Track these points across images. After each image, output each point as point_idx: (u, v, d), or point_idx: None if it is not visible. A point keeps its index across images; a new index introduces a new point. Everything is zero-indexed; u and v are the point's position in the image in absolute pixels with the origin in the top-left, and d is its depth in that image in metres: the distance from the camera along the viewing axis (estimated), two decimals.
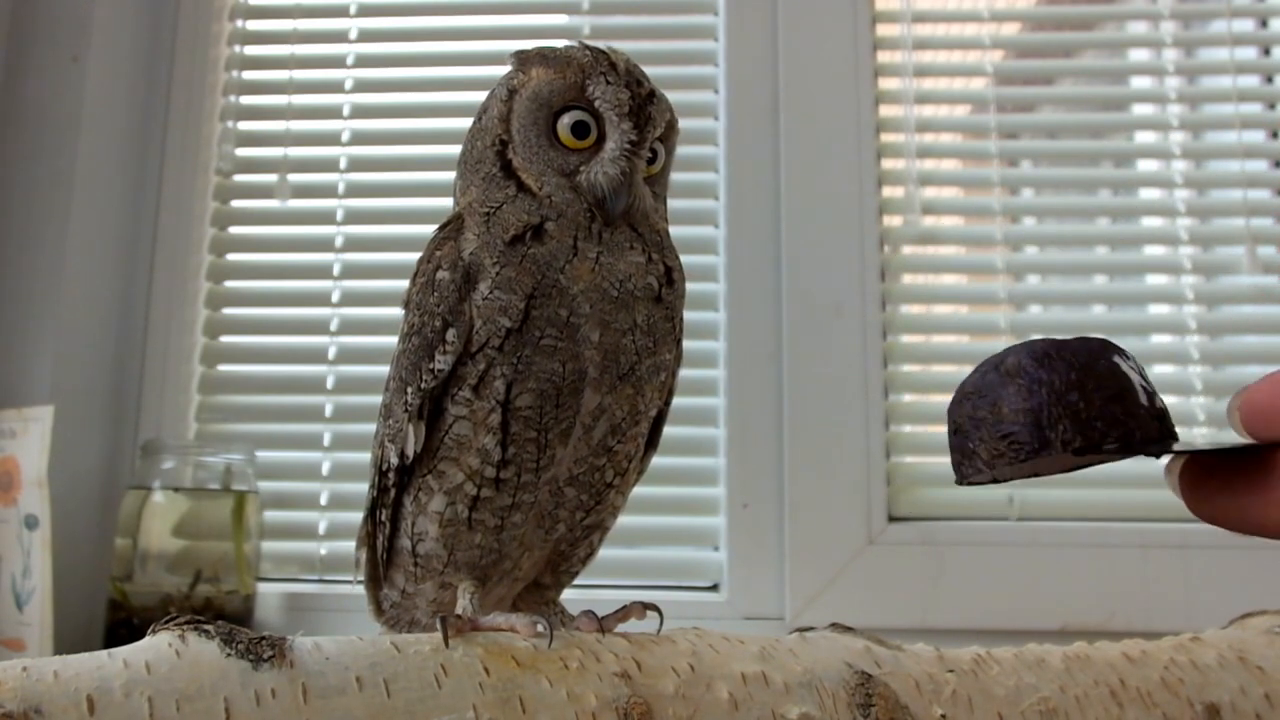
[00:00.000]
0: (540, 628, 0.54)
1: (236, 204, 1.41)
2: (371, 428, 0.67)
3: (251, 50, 1.43)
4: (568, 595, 0.70)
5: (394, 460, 0.64)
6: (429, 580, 0.66)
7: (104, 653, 0.46)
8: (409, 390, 0.63)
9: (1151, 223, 1.38)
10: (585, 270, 0.61)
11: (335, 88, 1.41)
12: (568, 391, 0.61)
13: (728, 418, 1.26)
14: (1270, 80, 1.37)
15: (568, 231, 0.62)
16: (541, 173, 0.64)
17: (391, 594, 0.69)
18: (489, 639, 0.53)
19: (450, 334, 0.61)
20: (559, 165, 0.64)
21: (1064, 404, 0.39)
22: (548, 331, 0.60)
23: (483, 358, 0.60)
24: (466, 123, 0.68)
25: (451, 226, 0.65)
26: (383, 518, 0.67)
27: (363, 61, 1.41)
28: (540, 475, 0.62)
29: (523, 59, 0.66)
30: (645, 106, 0.64)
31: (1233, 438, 0.40)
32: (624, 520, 1.24)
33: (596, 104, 0.63)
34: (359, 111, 1.40)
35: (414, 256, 0.65)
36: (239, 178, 1.40)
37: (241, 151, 1.40)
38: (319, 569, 1.27)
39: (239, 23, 1.43)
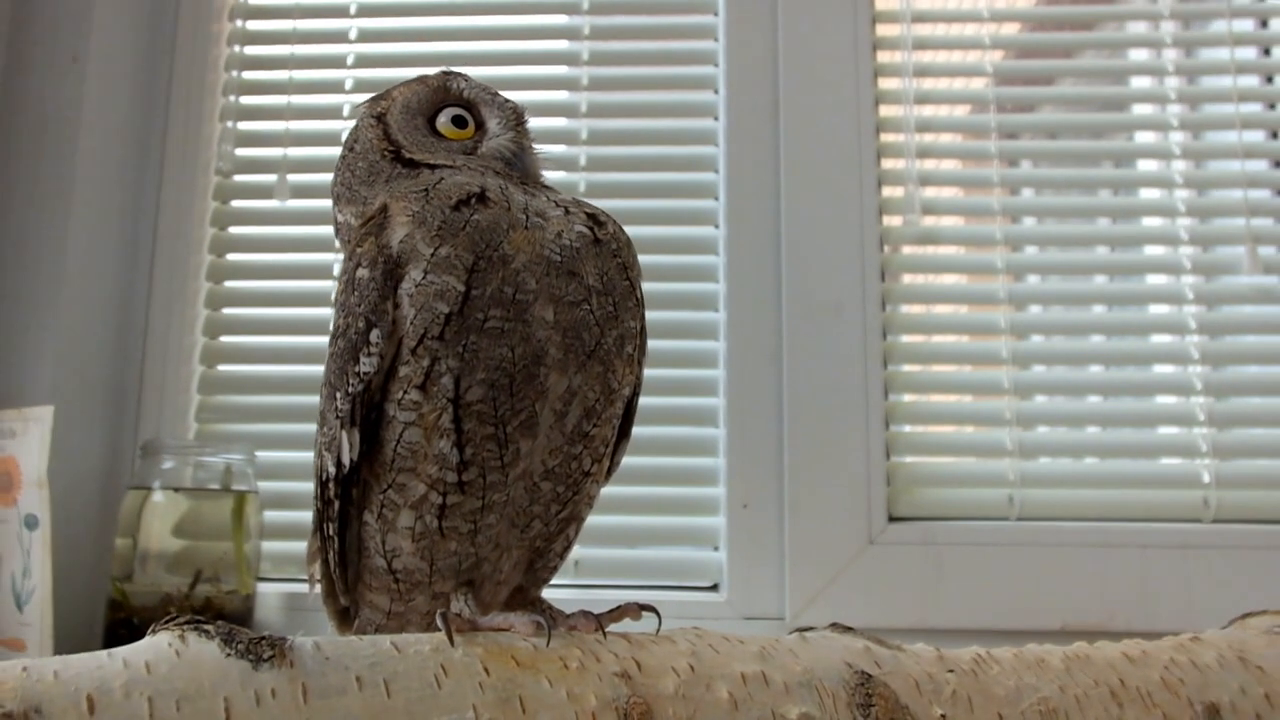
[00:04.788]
0: (539, 627, 0.54)
1: (236, 204, 1.41)
2: None
3: (251, 50, 1.43)
4: (568, 595, 0.70)
5: (331, 470, 0.61)
6: (419, 594, 0.63)
7: (104, 653, 0.46)
8: (338, 396, 0.60)
9: (1151, 223, 1.38)
10: (524, 240, 0.59)
11: (335, 88, 1.41)
12: (521, 379, 0.57)
13: (728, 418, 1.26)
14: (1270, 80, 1.37)
15: (501, 189, 0.61)
16: (448, 155, 0.67)
17: (375, 616, 0.67)
18: (489, 639, 0.53)
19: (374, 335, 0.58)
20: (458, 149, 0.68)
21: None
22: (491, 313, 0.57)
23: (425, 351, 0.57)
24: None
25: (374, 221, 0.62)
26: (330, 531, 0.64)
27: (363, 61, 1.41)
28: (508, 473, 0.59)
29: (372, 99, 0.71)
30: (499, 97, 0.70)
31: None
32: (624, 520, 1.26)
33: (465, 94, 0.69)
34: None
35: None
36: (239, 178, 1.40)
37: (241, 151, 1.40)
38: None
39: (239, 23, 1.43)
